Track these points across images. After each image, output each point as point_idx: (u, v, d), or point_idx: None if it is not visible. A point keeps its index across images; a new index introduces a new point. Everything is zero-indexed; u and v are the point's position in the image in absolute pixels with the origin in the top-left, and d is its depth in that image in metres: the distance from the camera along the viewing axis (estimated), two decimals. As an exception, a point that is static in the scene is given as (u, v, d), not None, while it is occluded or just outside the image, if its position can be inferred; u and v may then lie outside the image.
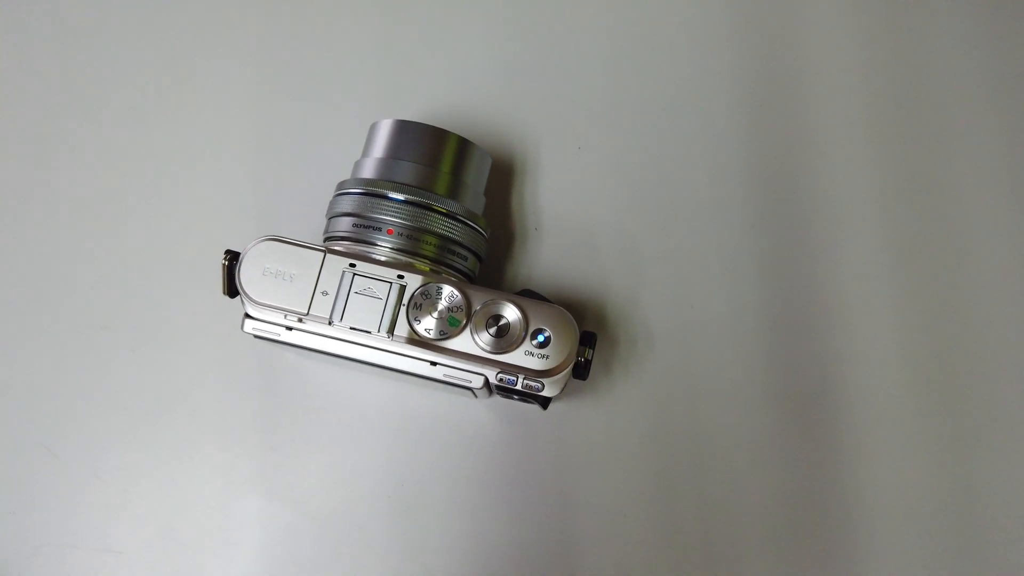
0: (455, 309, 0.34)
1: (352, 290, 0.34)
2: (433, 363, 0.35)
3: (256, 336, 0.36)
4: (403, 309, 0.34)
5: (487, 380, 0.35)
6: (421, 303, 0.34)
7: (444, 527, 0.39)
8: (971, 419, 0.41)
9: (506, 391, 0.36)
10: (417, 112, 0.45)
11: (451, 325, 0.34)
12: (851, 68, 0.46)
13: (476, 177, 0.39)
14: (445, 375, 0.35)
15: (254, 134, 0.46)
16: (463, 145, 0.38)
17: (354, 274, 0.34)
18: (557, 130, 0.46)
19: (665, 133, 0.46)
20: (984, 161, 0.45)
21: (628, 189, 0.45)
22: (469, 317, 0.34)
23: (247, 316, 0.36)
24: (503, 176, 0.45)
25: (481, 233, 0.38)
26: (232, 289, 0.35)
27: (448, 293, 0.34)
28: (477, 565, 0.39)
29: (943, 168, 0.45)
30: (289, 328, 0.35)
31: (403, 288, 0.34)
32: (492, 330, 0.34)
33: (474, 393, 0.36)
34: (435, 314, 0.34)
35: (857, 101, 0.46)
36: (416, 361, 0.35)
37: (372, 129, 0.39)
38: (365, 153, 0.39)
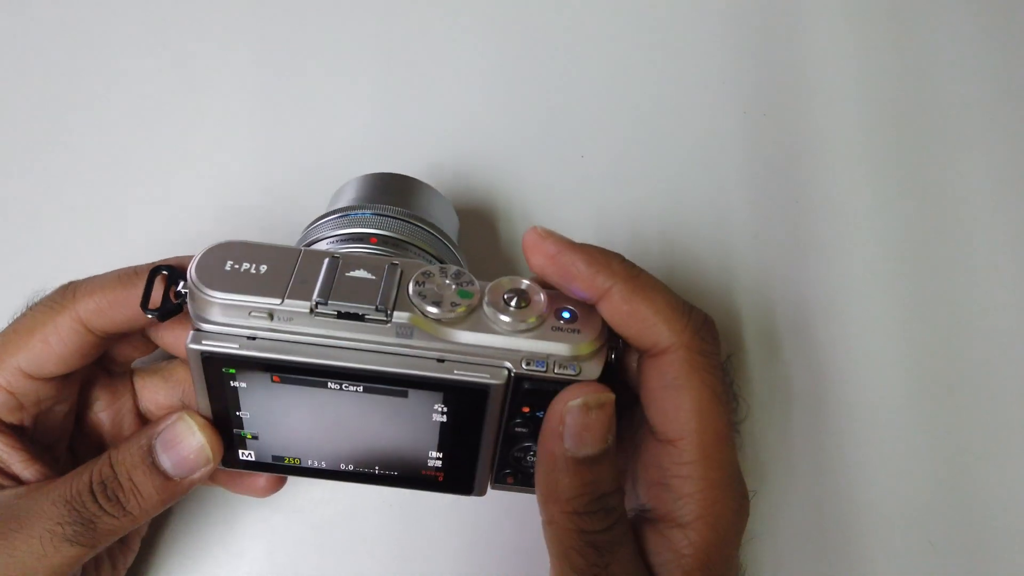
0: (465, 282, 0.29)
1: (340, 273, 0.29)
2: (441, 360, 0.29)
3: (207, 355, 0.28)
4: (402, 288, 0.29)
5: (510, 373, 0.29)
6: (423, 281, 0.29)
7: (448, 536, 0.38)
8: (973, 427, 0.41)
9: (535, 383, 0.29)
10: (415, 165, 0.43)
11: (463, 297, 0.29)
12: (853, 76, 0.47)
13: (448, 226, 0.38)
14: (458, 372, 0.28)
15: (249, 194, 0.45)
16: (429, 191, 0.38)
17: (340, 262, 0.29)
18: (568, 170, 0.46)
19: (674, 163, 0.46)
20: (986, 166, 0.45)
21: (646, 223, 0.45)
22: (483, 292, 0.29)
23: (195, 330, 0.28)
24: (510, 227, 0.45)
25: (461, 265, 0.36)
26: (167, 303, 0.29)
27: (454, 270, 0.29)
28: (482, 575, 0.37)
29: (945, 174, 0.45)
30: (252, 338, 0.28)
31: (401, 272, 0.29)
32: (512, 302, 0.29)
33: (490, 388, 0.29)
34: (442, 288, 0.29)
35: (859, 108, 0.47)
36: (422, 360, 0.29)
37: (337, 191, 0.38)
38: (330, 206, 0.37)
